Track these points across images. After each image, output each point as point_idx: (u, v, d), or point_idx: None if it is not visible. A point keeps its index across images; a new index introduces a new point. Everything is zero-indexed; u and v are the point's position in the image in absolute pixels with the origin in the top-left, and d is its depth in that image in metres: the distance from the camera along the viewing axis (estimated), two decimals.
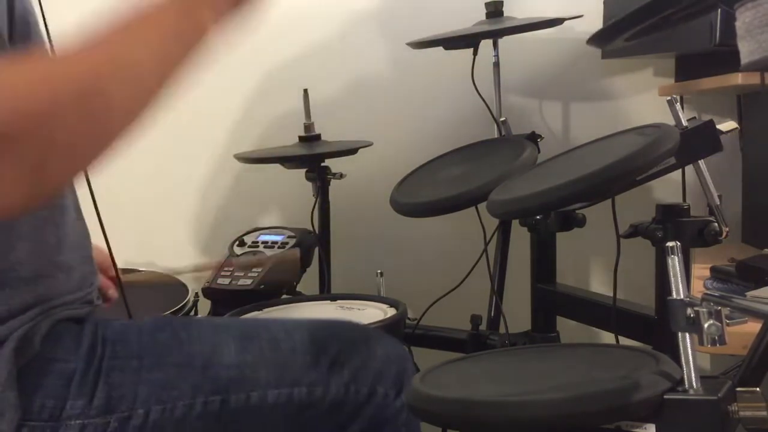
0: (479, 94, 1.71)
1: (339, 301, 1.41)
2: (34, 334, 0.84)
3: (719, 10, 1.41)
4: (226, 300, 1.47)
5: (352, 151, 1.66)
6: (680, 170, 1.48)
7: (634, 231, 1.16)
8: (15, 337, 0.82)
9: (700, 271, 1.34)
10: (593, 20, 1.75)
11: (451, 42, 1.67)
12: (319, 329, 1.01)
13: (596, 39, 1.18)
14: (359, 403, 0.97)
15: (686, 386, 0.74)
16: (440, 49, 1.71)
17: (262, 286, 1.49)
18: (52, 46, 0.85)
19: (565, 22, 1.65)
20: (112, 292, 1.16)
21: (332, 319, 1.05)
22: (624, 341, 1.22)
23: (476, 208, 1.31)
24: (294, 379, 0.94)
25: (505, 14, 1.67)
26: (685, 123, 1.16)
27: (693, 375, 0.74)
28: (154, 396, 0.87)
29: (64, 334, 0.88)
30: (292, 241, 1.61)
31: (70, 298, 0.91)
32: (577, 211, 1.38)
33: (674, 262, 0.76)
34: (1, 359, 0.81)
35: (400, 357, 1.02)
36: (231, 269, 1.55)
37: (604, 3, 1.83)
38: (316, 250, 1.68)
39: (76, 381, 0.84)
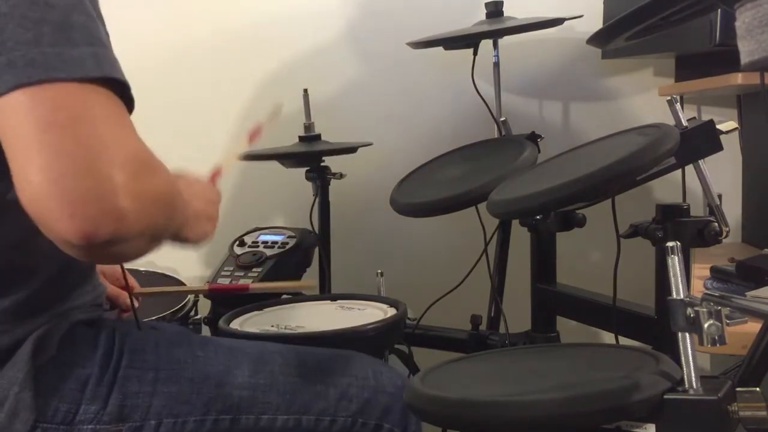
0: (479, 94, 1.70)
1: (339, 301, 1.40)
2: (51, 335, 0.85)
3: (719, 10, 1.41)
4: (226, 300, 1.46)
5: (352, 151, 1.66)
6: (680, 170, 1.48)
7: (634, 231, 1.16)
8: (33, 338, 0.83)
9: (700, 271, 1.34)
10: (593, 20, 1.75)
11: (451, 42, 1.67)
12: (332, 360, 1.02)
13: (596, 39, 1.18)
14: None
15: (686, 386, 0.74)
16: (440, 49, 1.71)
17: None
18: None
19: (565, 22, 1.65)
20: (123, 300, 1.17)
21: (345, 351, 1.06)
22: (624, 341, 1.22)
23: (476, 208, 1.30)
24: (303, 407, 0.95)
25: (505, 14, 1.67)
26: (685, 123, 1.16)
27: (693, 375, 0.74)
28: (167, 408, 0.88)
29: (80, 338, 0.88)
30: (292, 241, 1.60)
31: (82, 301, 0.92)
32: (577, 211, 1.38)
33: (674, 262, 0.76)
34: (19, 360, 0.82)
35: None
36: (231, 269, 1.55)
37: (604, 3, 1.83)
38: (316, 250, 1.68)
39: (90, 386, 0.85)
